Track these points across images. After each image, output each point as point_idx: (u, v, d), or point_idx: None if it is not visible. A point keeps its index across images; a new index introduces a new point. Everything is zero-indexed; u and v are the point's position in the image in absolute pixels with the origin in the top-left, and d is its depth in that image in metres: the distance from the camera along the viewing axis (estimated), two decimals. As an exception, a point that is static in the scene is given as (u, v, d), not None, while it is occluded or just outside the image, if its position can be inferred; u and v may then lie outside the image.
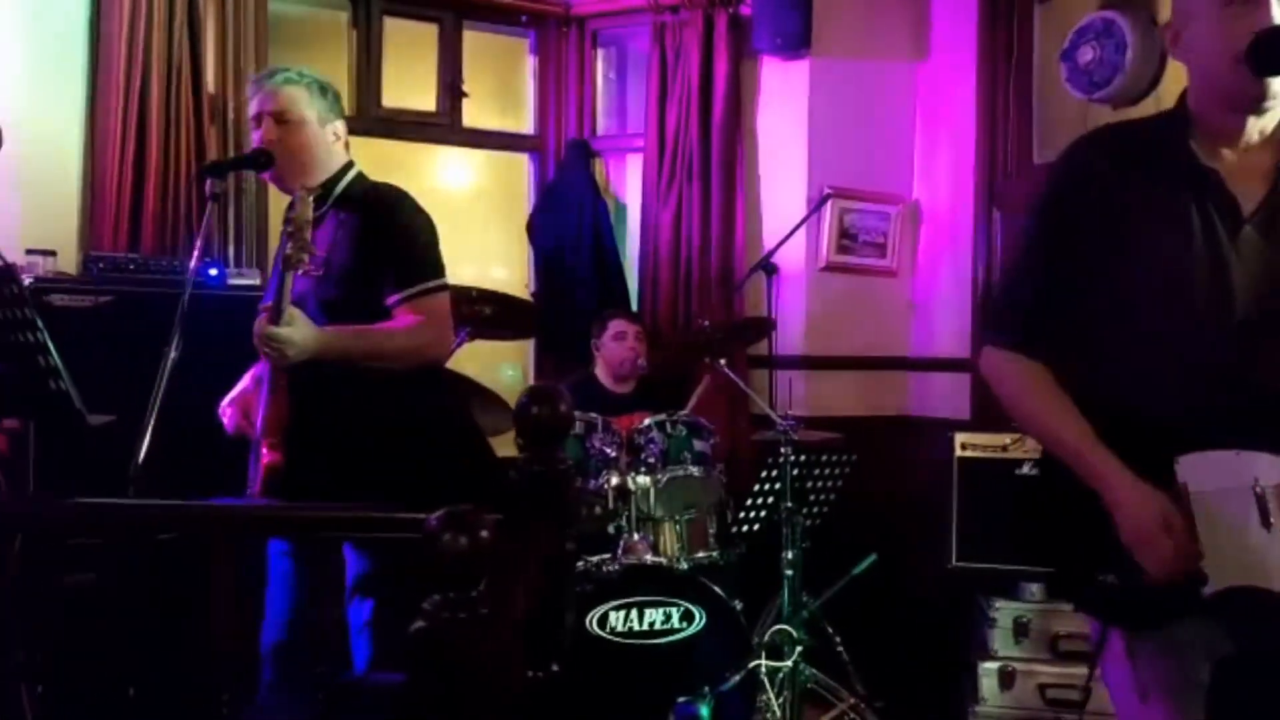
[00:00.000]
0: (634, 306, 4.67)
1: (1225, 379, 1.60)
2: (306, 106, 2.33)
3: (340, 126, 2.40)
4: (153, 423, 1.98)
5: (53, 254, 3.26)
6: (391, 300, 2.27)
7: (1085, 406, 1.66)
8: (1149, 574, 1.54)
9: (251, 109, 2.34)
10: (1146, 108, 3.84)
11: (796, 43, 4.40)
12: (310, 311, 2.23)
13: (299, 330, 2.17)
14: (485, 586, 1.24)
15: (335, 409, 2.26)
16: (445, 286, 2.36)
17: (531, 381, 5.00)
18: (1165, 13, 3.81)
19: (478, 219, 5.43)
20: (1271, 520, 1.50)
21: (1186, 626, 1.57)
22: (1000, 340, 1.77)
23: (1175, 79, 3.77)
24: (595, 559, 3.23)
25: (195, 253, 2.13)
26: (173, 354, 2.06)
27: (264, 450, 2.22)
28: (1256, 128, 1.66)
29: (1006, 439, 3.51)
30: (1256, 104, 1.62)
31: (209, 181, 2.18)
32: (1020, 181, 4.30)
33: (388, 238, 2.33)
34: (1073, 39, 3.91)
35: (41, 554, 1.78)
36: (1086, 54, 3.85)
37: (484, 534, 1.24)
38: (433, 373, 2.38)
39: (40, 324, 1.98)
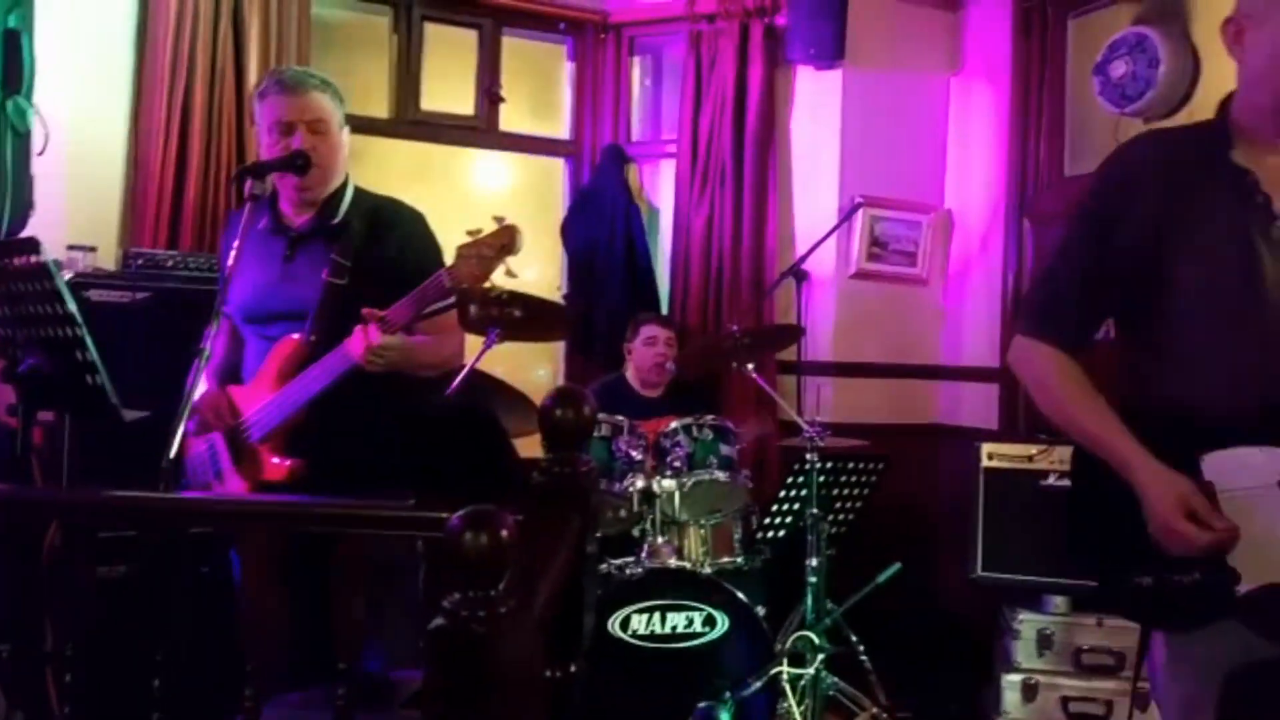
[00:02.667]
0: (665, 310, 4.70)
1: (1255, 376, 1.62)
2: (334, 114, 2.39)
3: (347, 134, 2.45)
4: (185, 419, 2.03)
5: (93, 249, 3.33)
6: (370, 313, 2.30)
7: (1118, 400, 1.70)
8: (1179, 556, 1.55)
9: (277, 115, 2.33)
10: (1178, 123, 3.83)
11: (830, 53, 4.41)
12: (324, 321, 2.28)
13: (401, 339, 2.24)
14: (506, 585, 1.27)
15: (362, 413, 2.29)
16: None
17: (561, 383, 5.04)
18: (1198, 28, 3.79)
19: (515, 218, 5.47)
20: None
21: (1224, 631, 1.57)
22: (1035, 331, 1.81)
23: (1208, 95, 3.75)
24: (619, 561, 3.26)
25: (233, 253, 2.18)
26: (207, 351, 2.10)
27: (270, 456, 2.27)
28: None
29: (1033, 450, 3.51)
30: None
31: (248, 182, 2.22)
32: (1052, 193, 4.29)
33: (410, 253, 2.40)
34: (1105, 53, 3.89)
35: (74, 544, 1.83)
36: (1119, 68, 3.83)
37: (505, 533, 1.27)
38: (450, 376, 2.44)
39: (79, 319, 2.03)
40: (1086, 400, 1.73)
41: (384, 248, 2.39)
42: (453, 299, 2.35)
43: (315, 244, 2.39)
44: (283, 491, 2.26)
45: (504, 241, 2.21)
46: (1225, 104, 1.78)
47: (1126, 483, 1.64)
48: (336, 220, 2.41)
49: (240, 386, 2.40)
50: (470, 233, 2.25)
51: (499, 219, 2.24)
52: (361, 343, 2.19)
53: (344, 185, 2.46)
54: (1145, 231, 1.69)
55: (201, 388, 2.21)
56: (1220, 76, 3.69)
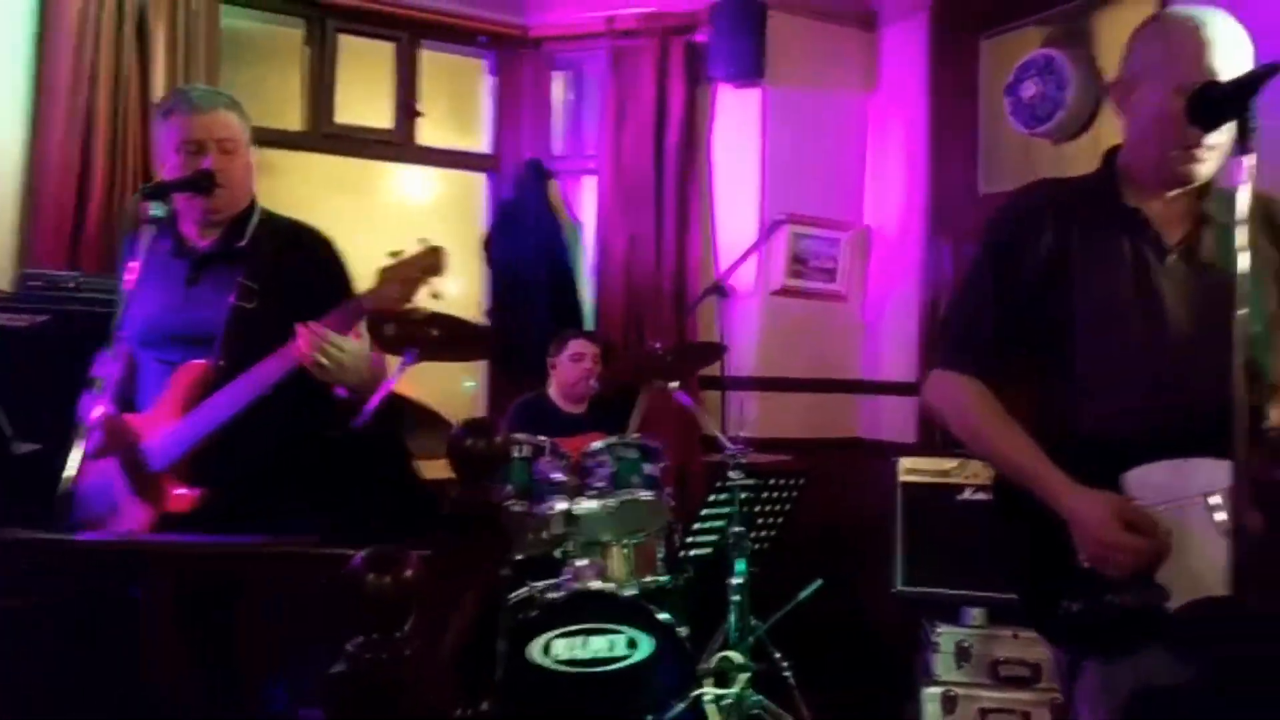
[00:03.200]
0: (588, 326, 4.68)
1: (1162, 395, 1.70)
2: (242, 133, 2.32)
3: (254, 155, 2.39)
4: (80, 448, 1.94)
5: (-13, 271, 3.20)
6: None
7: (1035, 430, 1.75)
8: (1119, 574, 1.58)
9: (186, 134, 2.25)
10: (1084, 143, 3.93)
11: (750, 71, 4.45)
12: (231, 346, 2.21)
13: (357, 344, 2.18)
14: (411, 626, 1.23)
15: (269, 440, 2.22)
16: None
17: (486, 399, 4.98)
18: (1103, 51, 3.90)
19: (431, 236, 5.40)
20: (1220, 522, 1.56)
21: (1157, 654, 1.59)
22: (951, 363, 1.86)
23: (1113, 117, 3.85)
24: (541, 585, 3.22)
25: (132, 275, 2.09)
26: (100, 380, 2.01)
27: (173, 486, 2.19)
28: (1187, 177, 1.78)
29: (949, 464, 3.56)
30: (1192, 156, 1.75)
31: (145, 205, 2.14)
32: (967, 210, 4.36)
33: (320, 276, 2.34)
34: (1016, 74, 3.99)
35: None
36: (1029, 89, 3.93)
37: (409, 573, 1.23)
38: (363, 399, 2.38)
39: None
40: (1006, 429, 1.77)
41: (293, 271, 2.32)
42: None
43: (220, 267, 2.31)
44: (188, 522, 2.17)
45: (429, 263, 2.17)
46: (1111, 155, 1.89)
47: (1050, 511, 1.67)
48: (243, 242, 2.33)
49: (139, 415, 2.30)
50: (392, 254, 2.20)
51: (423, 240, 2.19)
52: (309, 340, 2.11)
53: (251, 206, 2.38)
54: (1049, 265, 1.79)
55: (98, 414, 2.11)
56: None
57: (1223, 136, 1.72)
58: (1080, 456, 1.68)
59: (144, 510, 2.22)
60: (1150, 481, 1.64)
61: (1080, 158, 3.91)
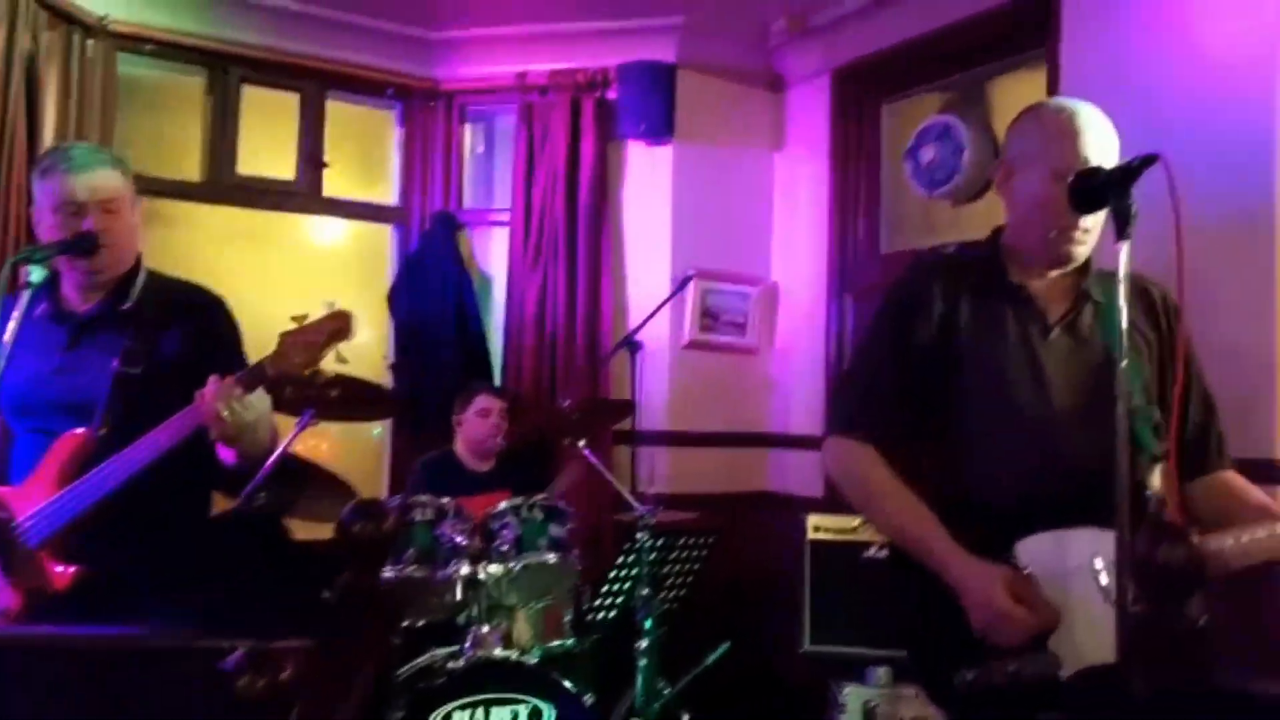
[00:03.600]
0: (497, 381, 4.63)
1: (1048, 464, 1.77)
2: (126, 192, 2.23)
3: (139, 213, 2.30)
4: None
5: None
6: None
7: (928, 494, 1.80)
8: (1010, 644, 1.61)
9: (65, 195, 2.15)
10: (982, 206, 4.06)
11: (660, 129, 4.50)
12: (115, 414, 2.13)
13: (263, 405, 2.11)
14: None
15: (150, 516, 2.13)
16: None
17: (390, 454, 4.89)
18: (999, 118, 4.04)
19: (337, 288, 5.32)
20: (1106, 589, 1.61)
21: None
22: (845, 429, 1.91)
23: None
24: (442, 653, 3.14)
25: (3, 360, 1.99)
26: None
27: (51, 563, 2.08)
28: (1067, 257, 1.89)
29: (855, 522, 3.59)
30: (1070, 238, 1.85)
31: (22, 270, 2.05)
32: (869, 269, 4.46)
33: (210, 341, 2.27)
34: (915, 139, 4.11)
35: None
36: (928, 154, 4.04)
37: (286, 673, 1.18)
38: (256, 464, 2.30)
39: None
40: (899, 497, 1.80)
41: (181, 335, 2.24)
42: None
43: (103, 331, 2.21)
44: (61, 603, 2.06)
45: (335, 328, 2.13)
46: (997, 234, 1.99)
47: (941, 581, 1.70)
48: (128, 305, 2.24)
49: (10, 487, 2.18)
50: (295, 318, 2.15)
51: (330, 304, 2.15)
52: (217, 394, 2.03)
53: (136, 267, 2.30)
54: (939, 336, 1.87)
55: None
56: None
57: (1099, 219, 1.83)
58: (971, 522, 1.73)
59: (15, 589, 2.10)
60: (1038, 550, 1.68)
61: (978, 219, 4.03)
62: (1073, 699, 1.60)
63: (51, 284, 2.21)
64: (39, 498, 2.12)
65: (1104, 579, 1.62)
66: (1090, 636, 1.61)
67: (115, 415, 2.13)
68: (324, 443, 4.83)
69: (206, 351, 2.24)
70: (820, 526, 3.63)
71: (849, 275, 4.51)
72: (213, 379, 2.06)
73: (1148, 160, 1.64)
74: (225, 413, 2.04)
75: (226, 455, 2.19)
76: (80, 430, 2.13)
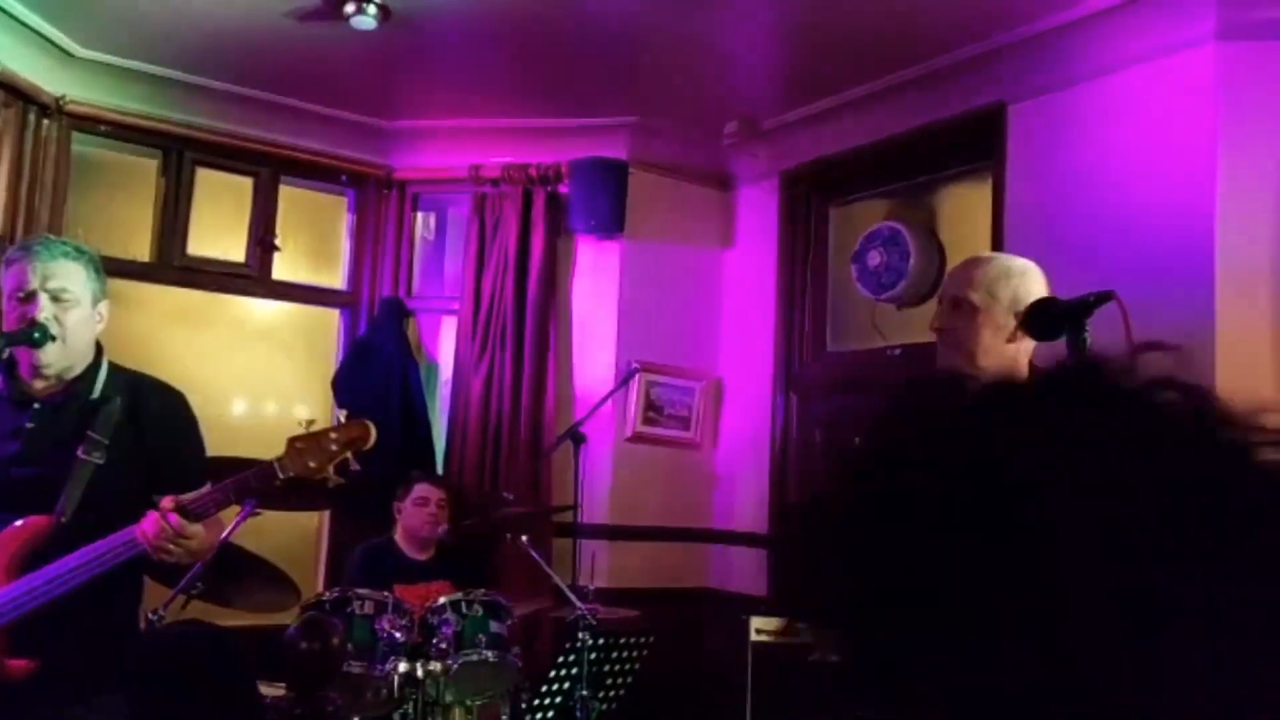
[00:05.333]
0: (440, 469, 4.60)
1: None
2: (84, 285, 2.22)
3: (105, 307, 2.30)
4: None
5: None
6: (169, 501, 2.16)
7: None
8: None
9: (18, 281, 2.16)
10: (927, 309, 4.16)
11: (610, 225, 4.58)
12: (80, 501, 2.10)
13: (205, 534, 2.13)
14: None
15: (94, 612, 2.10)
16: None
17: (328, 540, 4.81)
18: (944, 224, 4.19)
19: (283, 370, 5.29)
20: None
21: None
22: None
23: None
24: (378, 752, 3.07)
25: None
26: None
27: (4, 654, 2.03)
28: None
29: (799, 624, 3.59)
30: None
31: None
32: (814, 367, 4.54)
33: (171, 435, 2.28)
34: (862, 244, 4.23)
35: None
36: (874, 258, 4.16)
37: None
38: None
39: None
40: None
41: (144, 429, 2.24)
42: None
43: (64, 419, 2.19)
44: (10, 693, 2.02)
45: (354, 436, 2.19)
46: None
47: None
48: (93, 396, 2.23)
49: None
50: (305, 423, 2.22)
51: (351, 415, 2.23)
52: (157, 529, 2.03)
53: (98, 361, 2.28)
54: None
55: None
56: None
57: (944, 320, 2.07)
58: None
59: None
60: None
61: (923, 322, 4.12)
62: None
63: (10, 368, 2.19)
64: None
65: None
66: None
67: (75, 504, 2.11)
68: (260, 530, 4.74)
69: (167, 446, 2.26)
70: (763, 629, 3.63)
71: (794, 372, 4.59)
72: (152, 515, 2.05)
73: (1104, 297, 1.72)
74: (167, 548, 2.06)
75: None
76: (39, 518, 2.10)
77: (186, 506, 2.08)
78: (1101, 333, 1.76)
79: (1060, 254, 3.54)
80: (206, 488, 2.22)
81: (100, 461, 2.14)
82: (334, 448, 2.17)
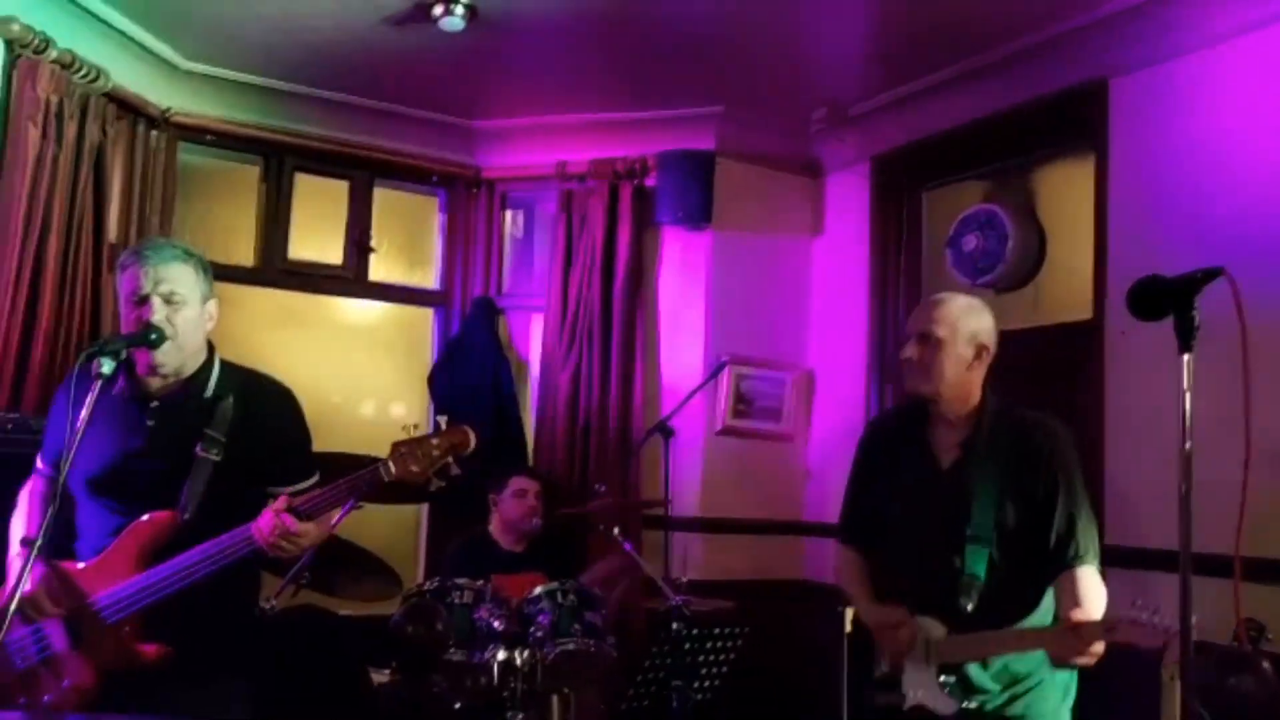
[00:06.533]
0: (530, 463, 4.66)
1: (915, 570, 2.44)
2: (193, 286, 2.31)
3: (214, 306, 2.39)
4: (10, 617, 1.87)
5: (-69, 411, 3.10)
6: (282, 493, 2.28)
7: (880, 581, 2.55)
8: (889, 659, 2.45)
9: (132, 285, 2.25)
10: (1027, 293, 4.08)
11: (698, 216, 4.57)
12: (201, 497, 2.20)
13: (316, 532, 2.23)
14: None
15: (215, 599, 2.21)
16: None
17: (426, 533, 4.91)
18: (1043, 205, 4.08)
19: (380, 369, 5.41)
20: (928, 662, 2.35)
21: None
22: (840, 539, 2.71)
23: (1054, 267, 4.01)
24: (479, 738, 3.12)
25: (78, 437, 2.05)
26: (39, 541, 1.96)
27: (136, 639, 2.15)
28: (948, 414, 2.43)
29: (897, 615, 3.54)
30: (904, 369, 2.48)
31: (95, 362, 2.12)
32: (909, 357, 4.46)
33: (283, 432, 2.37)
34: (957, 227, 4.14)
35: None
36: (970, 242, 4.07)
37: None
38: None
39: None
40: (852, 580, 2.65)
41: (257, 426, 2.33)
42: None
43: (183, 418, 2.28)
44: (139, 677, 2.13)
45: (455, 442, 2.27)
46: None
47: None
48: (208, 395, 2.32)
49: (84, 564, 2.24)
50: (408, 427, 2.31)
51: (450, 417, 2.32)
52: (272, 527, 2.13)
53: (210, 360, 2.38)
54: (871, 481, 2.61)
55: (29, 576, 2.05)
56: (1065, 252, 3.98)
57: (914, 352, 2.39)
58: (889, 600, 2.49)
59: (87, 663, 2.15)
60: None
61: (1023, 307, 4.04)
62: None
63: (129, 367, 2.29)
64: (119, 575, 2.17)
65: (931, 653, 2.35)
66: (919, 685, 2.38)
67: (196, 500, 2.21)
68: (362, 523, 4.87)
69: (279, 442, 2.35)
70: (859, 620, 3.58)
71: (888, 361, 4.52)
72: (267, 514, 2.15)
73: (1212, 273, 1.65)
74: (281, 545, 2.16)
75: None
76: (164, 513, 2.20)
77: (299, 507, 2.17)
78: (1211, 311, 1.70)
79: (1166, 231, 3.43)
80: (314, 481, 2.30)
81: (217, 458, 2.23)
82: (436, 453, 2.24)
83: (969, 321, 2.40)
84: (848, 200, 4.80)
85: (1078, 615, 2.16)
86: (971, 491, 2.35)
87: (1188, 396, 1.65)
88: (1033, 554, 2.32)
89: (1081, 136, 3.81)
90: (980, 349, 2.40)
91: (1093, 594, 2.23)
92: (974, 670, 2.33)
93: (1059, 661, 2.20)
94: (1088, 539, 2.30)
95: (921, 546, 2.44)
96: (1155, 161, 3.49)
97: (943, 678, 2.33)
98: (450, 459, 2.27)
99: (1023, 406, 2.45)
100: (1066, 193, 4.00)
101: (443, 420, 2.32)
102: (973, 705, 2.33)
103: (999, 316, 3.99)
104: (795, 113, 4.67)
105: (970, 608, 2.30)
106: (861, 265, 4.66)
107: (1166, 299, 1.69)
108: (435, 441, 2.24)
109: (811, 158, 4.93)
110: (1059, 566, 2.30)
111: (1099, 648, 2.08)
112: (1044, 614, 2.36)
